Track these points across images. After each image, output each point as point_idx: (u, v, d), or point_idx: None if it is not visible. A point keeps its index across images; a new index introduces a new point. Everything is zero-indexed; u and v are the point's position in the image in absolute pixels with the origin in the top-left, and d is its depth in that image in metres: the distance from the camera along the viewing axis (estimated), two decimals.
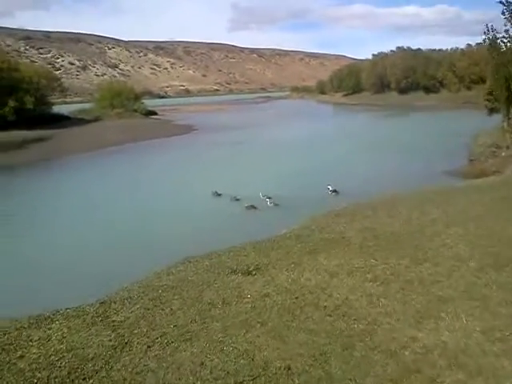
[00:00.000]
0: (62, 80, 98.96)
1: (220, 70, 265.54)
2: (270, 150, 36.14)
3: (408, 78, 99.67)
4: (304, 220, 15.41)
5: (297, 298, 8.57)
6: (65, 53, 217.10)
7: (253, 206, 18.83)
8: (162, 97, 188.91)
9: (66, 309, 8.84)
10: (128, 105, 77.40)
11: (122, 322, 8.09)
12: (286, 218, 17.29)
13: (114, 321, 8.14)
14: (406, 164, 28.65)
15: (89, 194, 23.15)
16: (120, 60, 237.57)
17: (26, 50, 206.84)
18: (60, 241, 15.20)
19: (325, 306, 8.14)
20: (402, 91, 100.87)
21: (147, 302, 8.89)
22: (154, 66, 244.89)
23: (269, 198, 19.65)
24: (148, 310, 8.52)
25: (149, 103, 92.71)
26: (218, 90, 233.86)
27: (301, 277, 9.59)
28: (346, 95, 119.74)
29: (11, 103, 54.09)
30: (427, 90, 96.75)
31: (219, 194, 20.67)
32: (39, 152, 39.97)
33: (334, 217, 15.72)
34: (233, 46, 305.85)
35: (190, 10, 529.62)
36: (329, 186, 21.71)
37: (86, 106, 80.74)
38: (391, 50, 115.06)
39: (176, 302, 8.74)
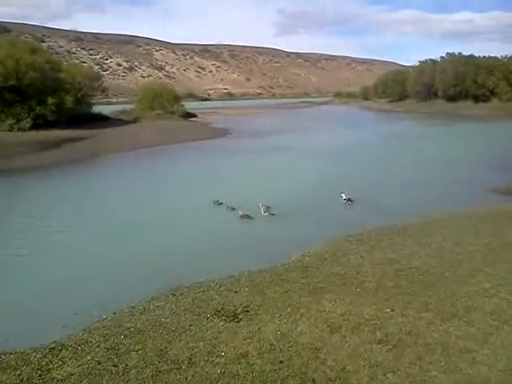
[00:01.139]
0: (110, 80, 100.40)
1: (264, 74, 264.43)
2: (299, 159, 34.00)
3: (457, 85, 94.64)
4: (319, 244, 13.60)
5: (281, 362, 6.75)
6: (113, 54, 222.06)
7: (248, 216, 17.22)
8: (205, 99, 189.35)
9: (10, 353, 7.47)
10: (167, 106, 77.04)
11: (61, 380, 6.60)
12: (278, 228, 15.71)
13: (53, 378, 6.65)
14: (444, 177, 25.80)
15: (94, 201, 21.93)
16: (166, 62, 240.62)
17: (76, 50, 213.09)
18: (40, 255, 13.64)
19: (313, 380, 6.30)
20: (450, 99, 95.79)
21: (103, 351, 7.36)
22: (199, 69, 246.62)
23: (267, 207, 17.87)
24: (99, 364, 6.98)
25: (192, 105, 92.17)
26: (260, 93, 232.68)
27: (294, 329, 7.77)
28: (390, 102, 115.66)
29: (51, 102, 54.63)
30: (476, 98, 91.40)
31: (220, 203, 19.22)
32: (71, 152, 39.57)
33: (355, 242, 13.82)
34: (278, 50, 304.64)
35: (238, 14, 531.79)
36: (342, 194, 19.53)
37: (129, 106, 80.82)
38: (441, 57, 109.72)
39: (135, 356, 7.15)
